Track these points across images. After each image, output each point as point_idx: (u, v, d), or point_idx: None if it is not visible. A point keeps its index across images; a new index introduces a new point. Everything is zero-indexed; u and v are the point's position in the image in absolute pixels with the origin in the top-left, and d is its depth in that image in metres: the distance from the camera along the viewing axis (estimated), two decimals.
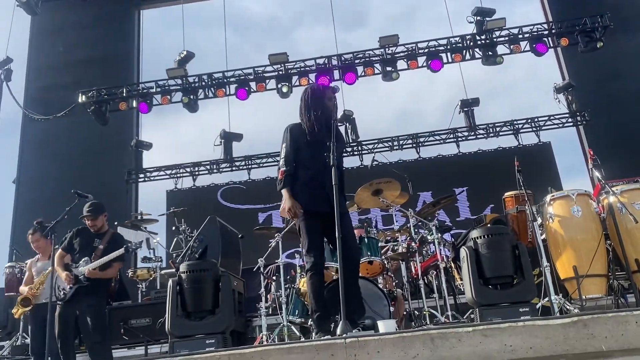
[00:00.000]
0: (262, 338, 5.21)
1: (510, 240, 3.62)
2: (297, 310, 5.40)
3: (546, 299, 4.29)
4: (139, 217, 7.08)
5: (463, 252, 3.61)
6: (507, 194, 5.36)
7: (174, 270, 5.86)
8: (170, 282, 3.71)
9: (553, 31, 9.84)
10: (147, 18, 12.39)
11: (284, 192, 3.96)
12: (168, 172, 11.00)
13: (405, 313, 5.42)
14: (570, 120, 10.39)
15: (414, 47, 9.86)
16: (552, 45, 9.92)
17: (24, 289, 5.63)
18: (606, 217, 4.57)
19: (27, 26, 11.72)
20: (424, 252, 5.90)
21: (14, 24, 9.49)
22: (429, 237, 5.61)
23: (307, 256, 3.83)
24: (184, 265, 3.78)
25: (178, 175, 10.95)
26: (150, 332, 5.68)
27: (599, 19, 9.53)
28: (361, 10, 15.50)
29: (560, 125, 10.50)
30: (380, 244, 5.61)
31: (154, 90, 10.18)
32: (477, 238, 3.60)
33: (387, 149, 10.69)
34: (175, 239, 6.85)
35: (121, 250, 4.90)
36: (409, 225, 5.85)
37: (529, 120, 10.60)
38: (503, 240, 3.57)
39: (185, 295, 3.63)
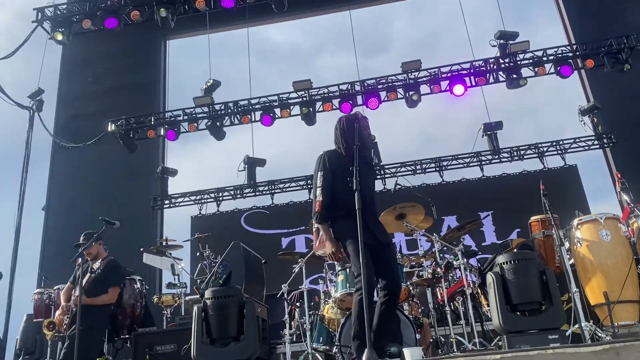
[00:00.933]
0: None
1: (537, 265, 3.55)
2: (321, 337, 5.37)
3: (576, 325, 4.18)
4: (164, 243, 7.15)
5: (489, 277, 3.56)
6: (533, 218, 5.29)
7: (198, 296, 5.89)
8: (195, 308, 3.73)
9: (577, 53, 9.79)
10: (173, 48, 12.71)
11: (322, 227, 3.79)
12: (193, 197, 11.13)
13: (431, 340, 5.33)
14: (596, 142, 10.23)
15: (436, 72, 9.91)
16: (576, 67, 9.87)
17: (58, 313, 5.67)
18: (636, 241, 4.48)
19: (58, 57, 12.14)
20: (449, 277, 5.82)
21: (46, 56, 9.82)
22: (454, 263, 5.55)
23: (358, 277, 3.67)
24: (209, 292, 3.80)
25: (202, 201, 11.07)
26: (174, 359, 5.68)
27: (625, 40, 9.46)
28: (382, 36, 15.66)
29: (587, 147, 10.34)
30: (405, 270, 5.56)
31: (181, 118, 10.39)
32: (504, 264, 3.55)
33: (410, 172, 10.65)
34: (199, 265, 6.89)
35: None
36: (434, 250, 5.79)
37: (554, 143, 10.47)
38: (530, 265, 3.51)
39: (210, 321, 3.64)
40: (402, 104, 9.94)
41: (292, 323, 5.75)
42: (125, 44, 11.71)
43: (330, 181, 3.81)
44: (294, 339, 5.60)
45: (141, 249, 7.15)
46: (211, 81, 10.06)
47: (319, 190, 3.82)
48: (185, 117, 10.33)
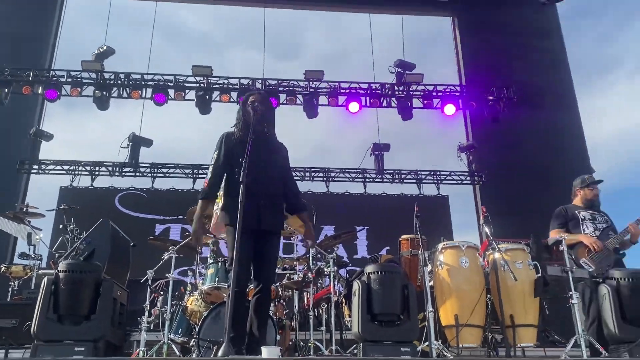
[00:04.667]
0: (138, 354, 4.94)
1: (401, 279, 3.73)
2: (180, 329, 5.20)
3: (426, 343, 4.44)
4: (24, 210, 6.55)
5: (356, 284, 3.67)
6: (403, 236, 5.57)
7: (53, 271, 5.46)
8: (45, 279, 3.41)
9: (464, 94, 10.58)
10: (71, 4, 11.76)
11: (200, 203, 3.73)
12: (65, 167, 10.34)
13: (291, 343, 5.38)
14: (468, 178, 11.08)
15: (336, 86, 10.18)
16: (461, 107, 10.65)
17: None
18: (490, 272, 4.85)
19: None
20: (318, 283, 5.94)
21: None
22: (325, 270, 5.66)
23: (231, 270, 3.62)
24: (63, 264, 3.50)
25: (76, 172, 10.32)
26: (15, 335, 5.17)
27: (505, 90, 10.42)
28: (294, 42, 15.76)
29: (459, 181, 11.16)
30: (277, 271, 5.58)
31: (64, 80, 9.64)
32: (371, 273, 3.68)
33: (298, 178, 10.78)
34: (60, 239, 6.41)
35: None
36: (308, 255, 5.87)
37: (432, 173, 11.18)
38: (395, 278, 3.67)
39: (60, 296, 3.35)
40: (301, 111, 10.07)
41: (153, 311, 5.51)
42: None
43: (223, 161, 3.79)
44: (152, 328, 5.37)
45: None
46: (105, 47, 9.46)
47: (210, 169, 3.82)
48: (70, 80, 9.60)
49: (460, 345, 4.50)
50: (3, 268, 6.43)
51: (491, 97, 10.36)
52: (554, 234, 5.12)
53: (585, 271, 4.81)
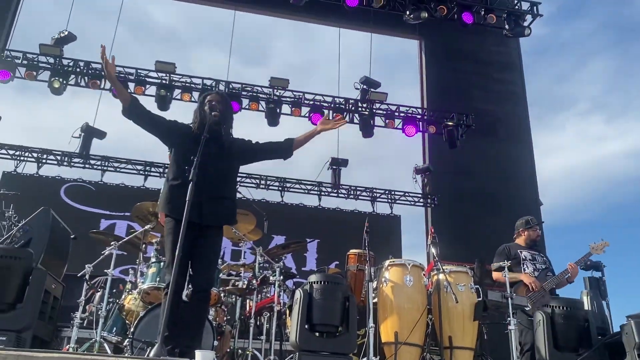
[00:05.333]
0: (67, 350, 4.73)
1: (344, 291, 3.71)
2: (115, 328, 5.04)
3: (365, 358, 4.43)
4: None
5: (297, 293, 3.63)
6: (351, 250, 5.58)
7: None
8: None
9: (425, 117, 10.77)
10: None
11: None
12: (11, 152, 9.91)
13: (228, 350, 5.27)
14: (421, 200, 11.24)
15: (300, 96, 10.19)
16: (421, 130, 10.83)
17: None
18: (432, 293, 4.90)
19: None
20: (263, 292, 5.86)
21: None
22: (271, 278, 5.59)
23: (167, 270, 3.55)
24: None
25: (22, 157, 9.91)
26: None
27: (465, 117, 10.67)
28: (263, 49, 15.75)
29: (412, 203, 11.31)
30: (222, 276, 5.48)
31: (19, 61, 9.29)
32: (314, 282, 3.65)
33: (253, 185, 10.70)
34: None
35: None
36: (255, 262, 5.80)
37: (386, 192, 11.29)
38: (337, 289, 3.65)
39: None
40: (263, 120, 10.03)
41: (87, 307, 5.30)
42: None
43: (161, 119, 3.89)
44: (85, 325, 5.15)
45: None
46: (66, 32, 9.15)
47: None
48: (25, 62, 9.26)
49: None
50: None
51: (450, 123, 10.58)
52: (496, 274, 5.27)
53: (524, 299, 4.95)
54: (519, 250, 5.46)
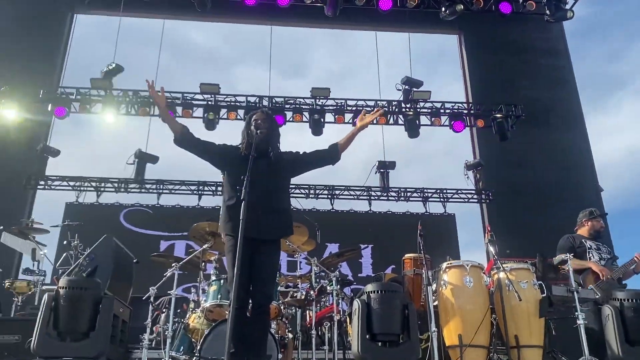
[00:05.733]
0: None
1: (401, 298, 3.68)
2: (182, 347, 5.16)
3: None
4: (29, 225, 6.57)
5: (355, 304, 3.64)
6: (406, 255, 5.53)
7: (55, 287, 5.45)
8: (45, 296, 3.41)
9: (472, 112, 10.57)
10: (80, 22, 11.93)
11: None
12: (72, 183, 10.39)
13: None
14: (475, 196, 11.00)
15: (343, 103, 10.21)
16: (469, 125, 10.62)
17: None
18: (494, 292, 4.80)
19: None
20: (321, 302, 5.89)
21: None
22: (328, 288, 5.61)
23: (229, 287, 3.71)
24: (64, 280, 3.50)
25: (82, 188, 10.36)
26: (17, 351, 5.15)
27: (513, 108, 10.39)
28: (302, 60, 15.92)
29: (466, 200, 11.08)
30: (280, 289, 5.54)
31: (73, 97, 9.75)
32: (371, 292, 3.64)
33: (303, 196, 10.76)
34: (64, 254, 6.40)
35: None
36: (311, 273, 5.83)
37: (438, 191, 11.11)
38: (395, 297, 3.63)
39: (60, 312, 3.34)
40: (307, 129, 10.10)
41: (155, 328, 5.48)
42: (31, 9, 10.83)
43: (211, 144, 4.00)
44: (153, 345, 5.32)
45: (1, 227, 6.52)
46: (114, 65, 9.55)
47: None
48: (79, 97, 9.71)
49: None
50: (7, 284, 6.43)
51: (499, 115, 10.31)
52: (562, 266, 5.11)
53: (591, 291, 4.77)
54: (583, 240, 5.31)
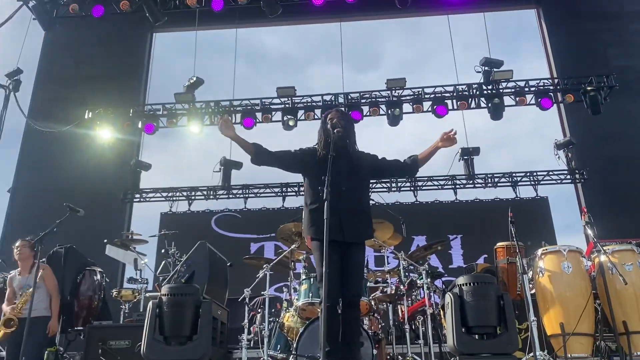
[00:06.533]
0: None
1: (495, 290, 3.57)
2: (279, 345, 5.30)
3: (531, 354, 4.21)
4: (130, 237, 7.02)
5: (448, 297, 3.57)
6: (498, 244, 5.34)
7: (158, 294, 5.77)
8: (150, 303, 3.64)
9: (559, 87, 10.00)
10: (159, 41, 12.60)
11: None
12: (164, 194, 10.99)
13: (388, 357, 5.31)
14: (568, 177, 10.43)
15: (420, 92, 10.02)
16: (556, 101, 10.06)
17: (6, 308, 5.48)
18: (596, 276, 4.54)
19: (41, 37, 11.91)
20: (412, 296, 5.83)
21: (28, 35, 9.65)
22: (418, 282, 5.55)
23: (319, 285, 3.76)
24: (166, 288, 3.72)
25: (174, 198, 10.93)
26: (128, 355, 5.53)
27: (605, 79, 9.69)
28: (372, 52, 15.80)
29: (559, 181, 10.52)
30: (369, 284, 5.55)
31: (160, 112, 10.30)
32: (463, 285, 3.56)
33: (385, 190, 10.69)
34: (163, 262, 6.77)
35: None
36: (399, 267, 5.79)
37: (528, 174, 10.64)
38: (488, 289, 3.52)
39: (164, 318, 3.56)
40: (384, 121, 10.02)
41: (252, 329, 5.67)
42: (112, 33, 11.55)
43: (288, 153, 4.00)
44: (252, 345, 5.52)
45: (105, 240, 7.01)
46: (194, 78, 9.98)
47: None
48: (165, 112, 10.24)
49: (569, 355, 4.25)
50: (114, 292, 6.90)
51: (590, 88, 9.65)
52: None
53: None
54: None
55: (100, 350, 5.60)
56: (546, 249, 4.70)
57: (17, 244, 5.62)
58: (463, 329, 3.43)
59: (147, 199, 11.00)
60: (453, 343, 3.40)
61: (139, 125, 10.31)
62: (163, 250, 6.67)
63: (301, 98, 10.12)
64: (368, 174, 4.09)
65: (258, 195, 11.00)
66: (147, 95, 11.73)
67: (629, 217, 8.36)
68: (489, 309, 3.46)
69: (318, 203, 3.68)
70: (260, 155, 4.00)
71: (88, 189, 10.13)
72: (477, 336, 3.47)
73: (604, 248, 4.50)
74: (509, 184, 10.59)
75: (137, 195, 10.93)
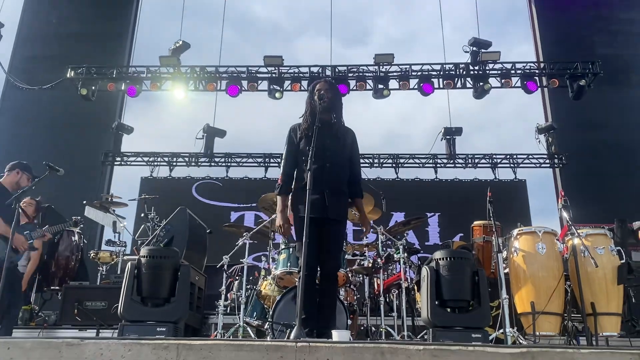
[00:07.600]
0: (216, 336, 5.16)
1: (471, 265, 3.65)
2: (255, 312, 5.37)
3: (501, 330, 4.34)
4: (109, 199, 6.97)
5: (424, 271, 3.64)
6: (475, 222, 5.44)
7: (136, 257, 5.78)
8: (129, 264, 3.65)
9: (544, 71, 10.05)
10: (146, 2, 12.31)
11: (279, 199, 3.86)
12: (145, 158, 10.89)
13: (362, 328, 5.42)
14: (547, 161, 10.58)
15: (407, 69, 9.99)
16: (541, 85, 10.13)
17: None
18: (569, 258, 4.65)
19: None
20: (389, 270, 5.93)
21: None
22: (395, 256, 5.64)
23: (298, 254, 3.76)
24: (145, 250, 3.72)
25: (155, 163, 10.85)
26: (104, 316, 5.58)
27: (590, 65, 9.76)
28: (362, 28, 15.68)
29: (538, 165, 10.68)
30: (347, 257, 5.62)
31: (144, 75, 10.11)
32: (440, 259, 3.63)
33: (367, 165, 10.73)
34: (142, 226, 6.76)
35: None
36: (377, 241, 5.87)
37: (508, 156, 10.76)
38: (464, 264, 3.60)
39: (142, 280, 3.56)
40: (371, 98, 10.00)
41: (229, 295, 5.73)
42: None
43: (294, 154, 3.87)
44: (228, 311, 5.58)
45: (84, 202, 6.96)
46: (180, 42, 9.82)
47: (282, 163, 3.93)
48: (149, 75, 10.06)
49: (537, 333, 4.37)
50: (92, 254, 6.90)
51: (575, 73, 9.71)
52: None
53: None
54: None
55: (76, 311, 5.63)
56: (522, 230, 4.80)
57: (27, 199, 5.54)
58: (437, 302, 3.51)
59: (128, 163, 10.89)
60: (427, 315, 3.48)
61: (122, 87, 10.12)
62: (142, 215, 6.65)
63: (288, 68, 10.01)
64: (348, 150, 4.01)
65: (240, 164, 10.96)
66: (132, 57, 11.51)
67: (604, 204, 8.54)
68: (464, 284, 3.53)
69: (303, 180, 3.68)
70: (291, 184, 3.89)
71: (67, 150, 10.01)
72: (450, 310, 3.55)
73: (578, 231, 4.61)
74: (488, 165, 10.72)
75: (118, 159, 10.81)
